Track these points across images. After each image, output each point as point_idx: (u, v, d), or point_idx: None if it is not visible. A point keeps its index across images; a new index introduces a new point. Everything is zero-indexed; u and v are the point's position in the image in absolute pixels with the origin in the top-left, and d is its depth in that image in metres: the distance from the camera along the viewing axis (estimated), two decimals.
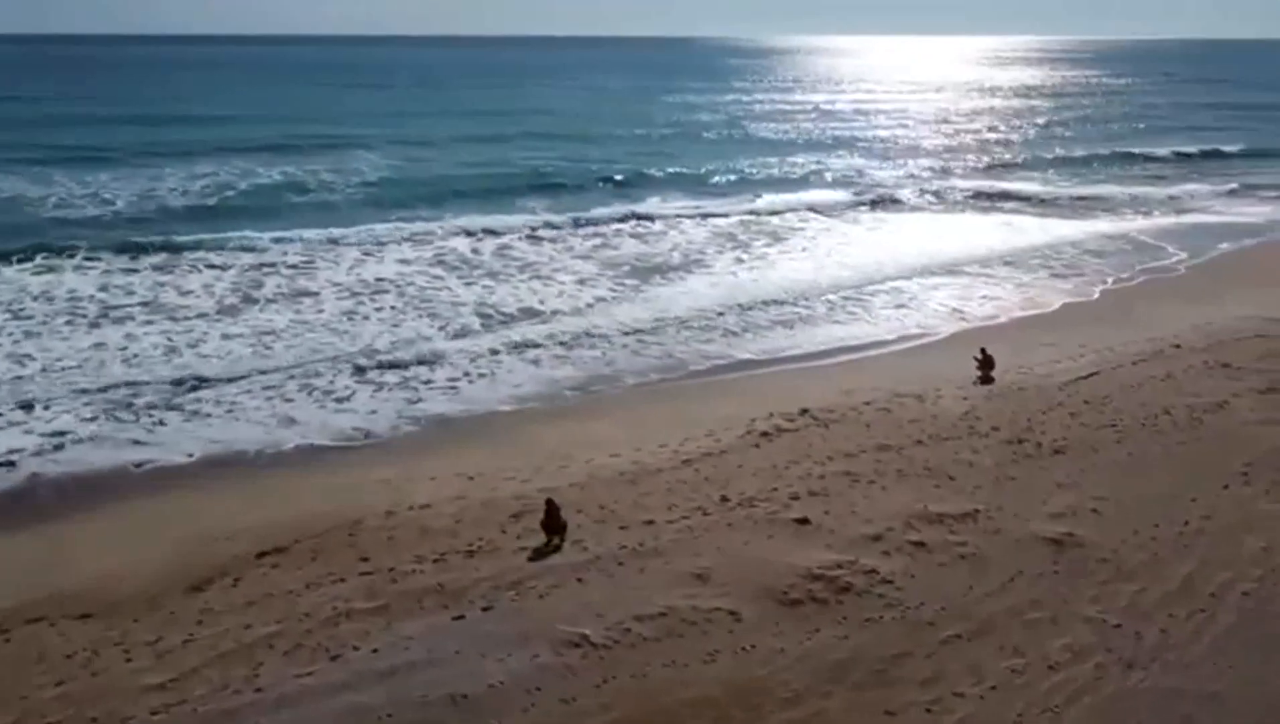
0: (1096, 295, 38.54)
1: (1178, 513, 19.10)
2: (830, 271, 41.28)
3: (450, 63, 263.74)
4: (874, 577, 16.91)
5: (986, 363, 28.04)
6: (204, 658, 14.83)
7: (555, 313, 35.93)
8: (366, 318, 35.19)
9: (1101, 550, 17.77)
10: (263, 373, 28.51)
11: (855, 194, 56.92)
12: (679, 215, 51.69)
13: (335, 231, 46.64)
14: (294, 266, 42.04)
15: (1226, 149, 69.88)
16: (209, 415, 25.72)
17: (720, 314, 35.23)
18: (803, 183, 60.85)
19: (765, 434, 23.83)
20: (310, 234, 46.16)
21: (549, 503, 18.45)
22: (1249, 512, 19.13)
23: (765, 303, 36.61)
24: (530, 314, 35.87)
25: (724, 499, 20.18)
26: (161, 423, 25.11)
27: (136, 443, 23.80)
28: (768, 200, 54.66)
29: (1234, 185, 58.97)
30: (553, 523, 18.27)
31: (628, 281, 40.47)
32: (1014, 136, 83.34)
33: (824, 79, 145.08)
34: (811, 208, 53.02)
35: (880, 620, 15.76)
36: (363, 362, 29.73)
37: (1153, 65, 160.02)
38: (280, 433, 24.65)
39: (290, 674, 14.39)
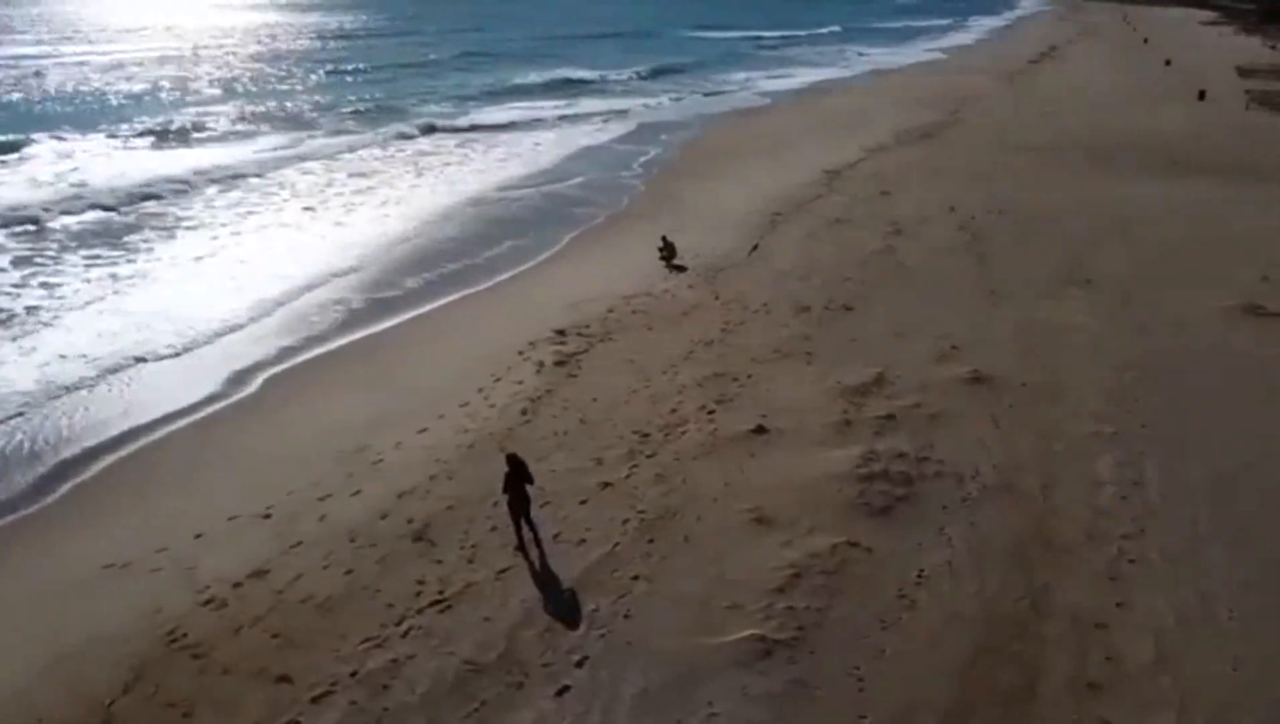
0: (642, 188, 39.54)
1: (1005, 335, 20.57)
2: (404, 209, 35.50)
3: None
4: (908, 459, 15.11)
5: (670, 251, 27.06)
6: None
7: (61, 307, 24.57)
8: None
9: (1012, 379, 18.34)
10: None
11: (327, 136, 49.42)
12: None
13: None
14: None
15: (637, 70, 77.12)
16: None
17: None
18: (227, 137, 50.64)
19: (560, 363, 19.72)
20: None
21: (513, 460, 12.89)
22: (1044, 320, 21.50)
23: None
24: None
25: (643, 435, 16.25)
26: None
27: None
28: (210, 154, 44.42)
29: (692, 95, 66.29)
30: (517, 494, 12.71)
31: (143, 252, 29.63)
32: (414, 72, 79.83)
33: (86, 27, 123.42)
34: (302, 157, 44.69)
35: (974, 498, 14.19)
36: None
37: (379, 12, 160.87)
38: None
39: None
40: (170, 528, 13.82)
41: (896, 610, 11.47)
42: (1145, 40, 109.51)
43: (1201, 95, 58.84)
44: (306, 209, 35.28)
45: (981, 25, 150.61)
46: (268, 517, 14.08)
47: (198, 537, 13.60)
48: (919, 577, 12.15)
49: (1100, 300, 22.68)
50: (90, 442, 17.17)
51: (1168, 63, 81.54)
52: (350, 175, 41.96)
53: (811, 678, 10.33)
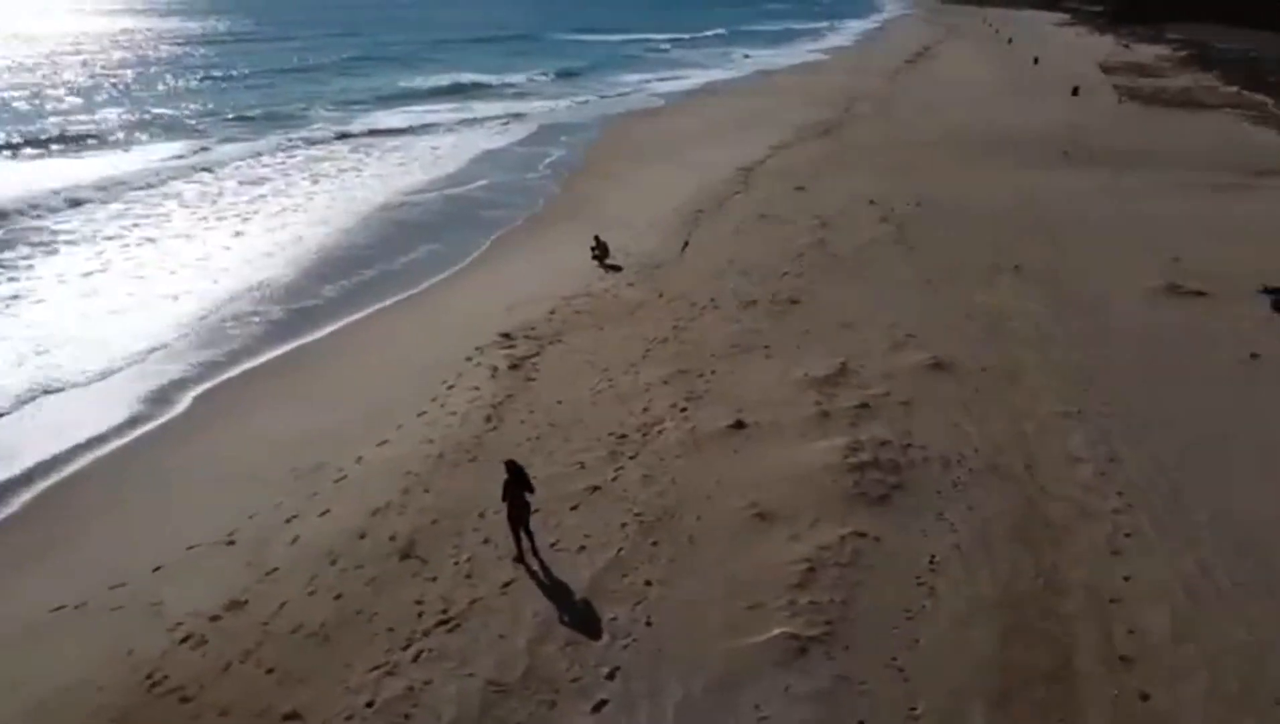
0: (556, 189, 38.99)
1: (952, 321, 20.97)
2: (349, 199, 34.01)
3: None
4: (893, 447, 15.13)
5: (603, 250, 26.73)
6: None
7: None
8: None
9: (968, 364, 18.66)
10: None
11: (216, 144, 46.70)
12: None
13: None
14: None
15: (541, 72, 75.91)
16: None
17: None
18: (106, 147, 47.27)
19: (515, 367, 19.14)
20: None
21: (512, 467, 12.42)
22: (984, 306, 22.02)
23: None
24: None
25: (620, 436, 15.83)
26: None
27: None
28: (91, 166, 41.40)
29: (585, 98, 65.64)
30: (516, 502, 12.21)
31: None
32: (296, 77, 75.41)
33: None
34: (192, 167, 42.03)
35: (965, 482, 14.27)
36: None
37: (244, 16, 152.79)
38: None
39: None
40: (123, 561, 12.69)
41: (919, 598, 11.37)
42: (1010, 40, 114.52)
43: (1075, 91, 61.79)
44: (202, 220, 33.48)
45: (854, 28, 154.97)
46: (231, 543, 13.08)
47: (156, 569, 12.52)
48: (932, 563, 12.09)
49: (1033, 286, 23.33)
50: (7, 473, 15.69)
51: (1036, 61, 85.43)
52: (243, 183, 40.08)
53: (853, 673, 10.12)
